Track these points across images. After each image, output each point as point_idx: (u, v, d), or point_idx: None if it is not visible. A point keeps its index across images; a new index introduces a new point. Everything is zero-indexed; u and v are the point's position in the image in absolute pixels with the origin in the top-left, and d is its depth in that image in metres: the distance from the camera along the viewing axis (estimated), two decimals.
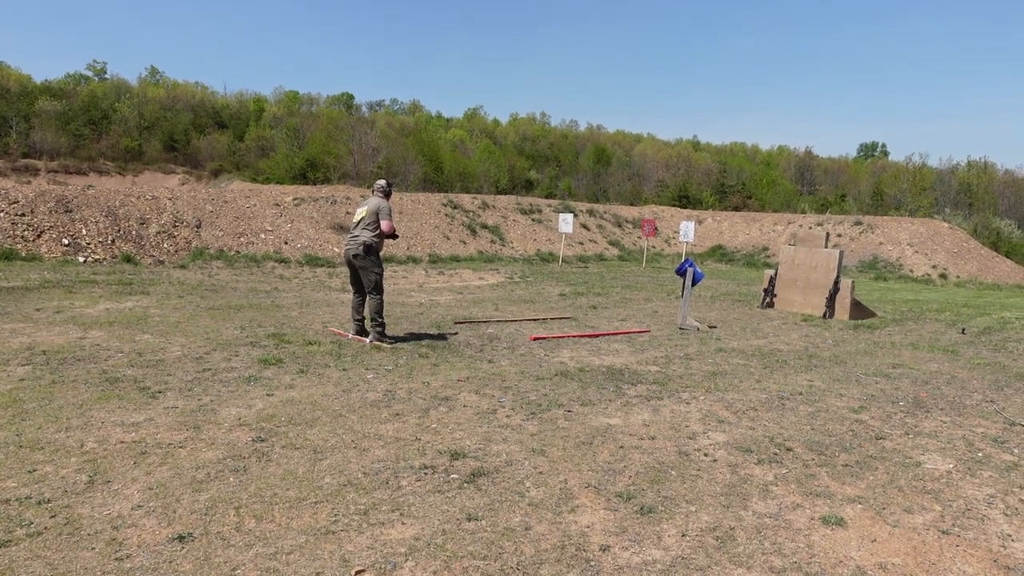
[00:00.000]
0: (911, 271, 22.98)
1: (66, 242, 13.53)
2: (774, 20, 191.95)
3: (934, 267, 23.05)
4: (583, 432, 4.75)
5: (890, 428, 5.28)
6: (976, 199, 41.18)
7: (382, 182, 7.68)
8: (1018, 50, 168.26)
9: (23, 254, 12.79)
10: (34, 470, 3.65)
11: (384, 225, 7.30)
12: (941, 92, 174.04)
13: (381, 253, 7.52)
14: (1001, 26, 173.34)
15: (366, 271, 7.32)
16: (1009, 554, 3.32)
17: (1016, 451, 4.89)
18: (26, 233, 13.34)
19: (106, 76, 70.09)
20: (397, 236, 7.66)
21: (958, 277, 22.34)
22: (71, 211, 14.30)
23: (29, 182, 35.50)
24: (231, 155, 52.34)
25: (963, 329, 10.83)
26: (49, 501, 3.30)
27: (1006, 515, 3.77)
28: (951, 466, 4.51)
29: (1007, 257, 26.10)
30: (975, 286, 21.38)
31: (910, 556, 3.24)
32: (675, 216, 31.37)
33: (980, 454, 4.78)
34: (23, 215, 13.64)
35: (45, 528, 3.05)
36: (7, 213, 13.54)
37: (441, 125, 73.67)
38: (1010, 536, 3.51)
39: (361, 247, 7.26)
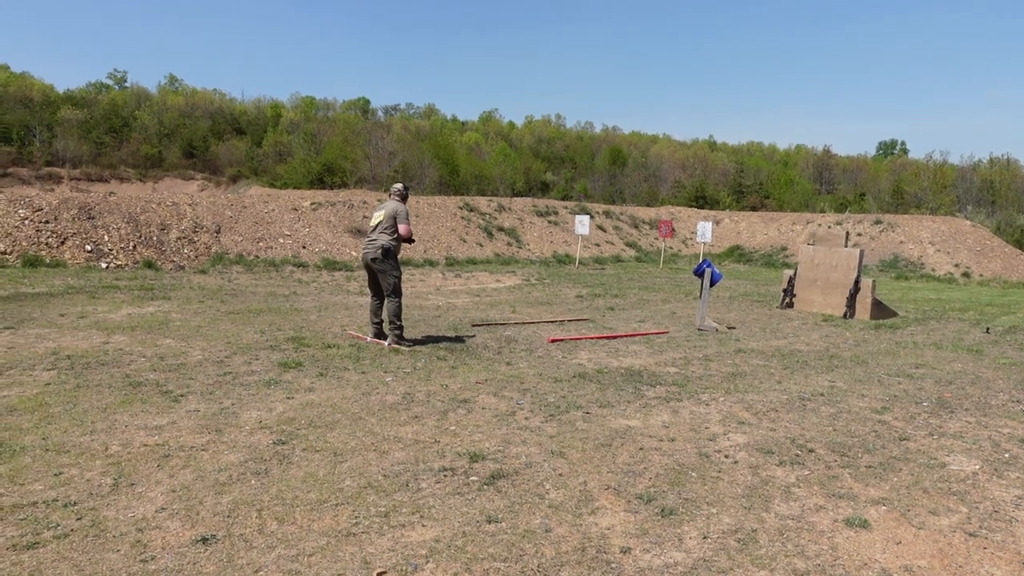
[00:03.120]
0: (933, 270, 22.67)
1: (89, 248, 13.73)
2: (790, 17, 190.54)
3: (956, 266, 22.73)
4: (602, 434, 4.74)
5: (914, 429, 5.21)
6: (999, 196, 40.58)
7: (399, 186, 7.72)
8: None
9: (47, 260, 12.99)
10: (60, 473, 3.70)
11: (402, 229, 7.34)
12: (961, 87, 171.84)
13: (399, 256, 7.55)
14: (1020, 18, 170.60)
15: (384, 274, 7.36)
16: None
17: None
18: (50, 240, 13.55)
19: (126, 84, 71.16)
20: (414, 240, 7.70)
21: (981, 276, 22.02)
22: (93, 218, 14.50)
23: (52, 190, 36.09)
24: (249, 161, 52.85)
25: (987, 328, 10.67)
26: (75, 504, 3.35)
27: None
28: (977, 467, 4.44)
29: None
30: (999, 285, 21.05)
31: (936, 559, 3.20)
32: (692, 217, 31.21)
33: (1007, 455, 4.70)
34: (47, 222, 13.86)
35: (71, 530, 3.09)
36: (31, 220, 13.76)
37: (456, 128, 73.91)
38: None
39: (379, 251, 7.30)
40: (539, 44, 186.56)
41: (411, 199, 22.86)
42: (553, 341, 8.09)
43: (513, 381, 6.12)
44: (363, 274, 15.08)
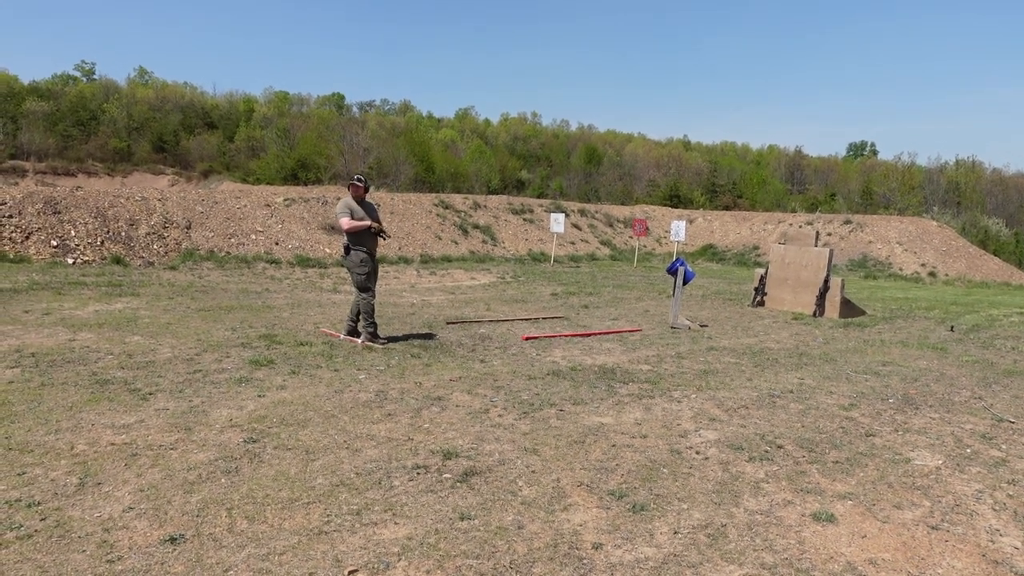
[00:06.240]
0: (900, 269, 23.12)
1: (55, 244, 13.44)
2: (764, 19, 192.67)
3: (923, 265, 23.20)
4: (575, 431, 4.76)
5: (880, 425, 5.32)
6: (964, 198, 41.54)
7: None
8: (1006, 45, 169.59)
9: (11, 256, 12.69)
10: (24, 473, 3.62)
11: (343, 223, 7.21)
12: (930, 90, 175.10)
13: (376, 254, 7.47)
14: (991, 21, 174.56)
15: (349, 272, 7.43)
16: (997, 549, 3.35)
17: (1004, 447, 4.93)
18: (14, 235, 13.24)
19: (94, 77, 69.58)
20: (381, 233, 7.35)
21: (947, 275, 22.50)
22: (59, 212, 14.20)
23: (17, 183, 35.20)
24: (221, 156, 52.08)
25: (952, 327, 10.91)
26: (39, 504, 3.28)
27: (994, 510, 3.80)
28: (940, 462, 4.54)
29: (995, 255, 26.30)
30: (964, 284, 21.53)
31: (900, 552, 3.27)
32: (666, 215, 31.45)
33: (969, 450, 4.82)
34: (11, 216, 13.54)
35: (35, 531, 3.03)
36: None
37: (432, 125, 73.52)
38: (998, 531, 3.54)
39: (342, 248, 7.37)
40: (515, 42, 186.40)
41: (385, 196, 22.68)
42: (527, 339, 8.11)
43: (487, 379, 6.12)
44: (337, 271, 15.00)
